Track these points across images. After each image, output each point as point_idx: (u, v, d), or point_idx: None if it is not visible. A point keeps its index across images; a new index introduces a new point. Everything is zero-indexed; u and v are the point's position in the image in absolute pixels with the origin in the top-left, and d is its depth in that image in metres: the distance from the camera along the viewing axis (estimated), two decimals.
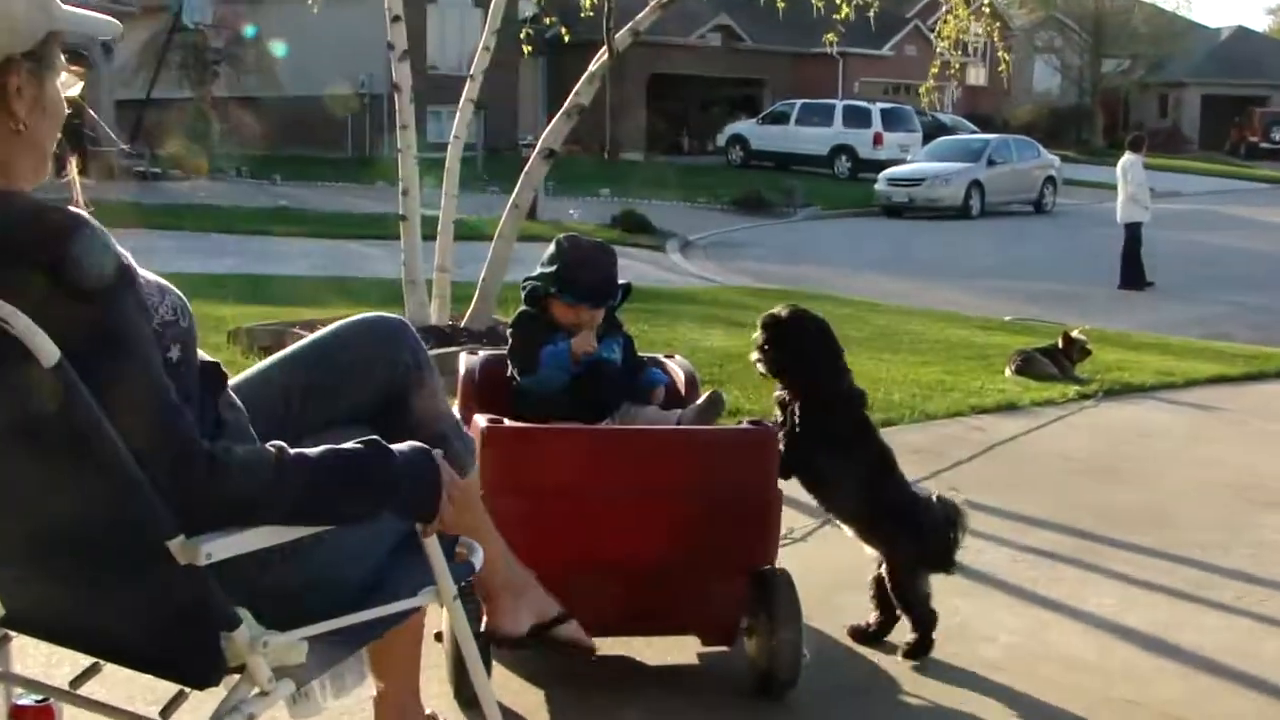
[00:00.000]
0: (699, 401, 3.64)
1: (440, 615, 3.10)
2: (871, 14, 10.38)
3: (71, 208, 2.03)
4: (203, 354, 2.27)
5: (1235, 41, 56.65)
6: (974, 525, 4.03)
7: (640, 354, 3.98)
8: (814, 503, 3.93)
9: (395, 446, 2.22)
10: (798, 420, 3.74)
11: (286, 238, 18.71)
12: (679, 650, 3.78)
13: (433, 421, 2.59)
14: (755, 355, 3.84)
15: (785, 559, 3.57)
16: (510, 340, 3.81)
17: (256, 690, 2.11)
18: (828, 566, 4.46)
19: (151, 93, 29.06)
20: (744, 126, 38.30)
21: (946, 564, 3.84)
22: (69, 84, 2.15)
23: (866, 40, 39.97)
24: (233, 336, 8.72)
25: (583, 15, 9.85)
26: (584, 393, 3.69)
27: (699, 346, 9.33)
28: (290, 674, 2.14)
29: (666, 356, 4.13)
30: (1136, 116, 53.05)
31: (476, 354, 4.03)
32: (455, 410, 3.16)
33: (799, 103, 37.22)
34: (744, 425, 3.52)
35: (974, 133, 36.04)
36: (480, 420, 3.32)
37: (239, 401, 2.36)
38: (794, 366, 3.79)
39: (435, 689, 3.33)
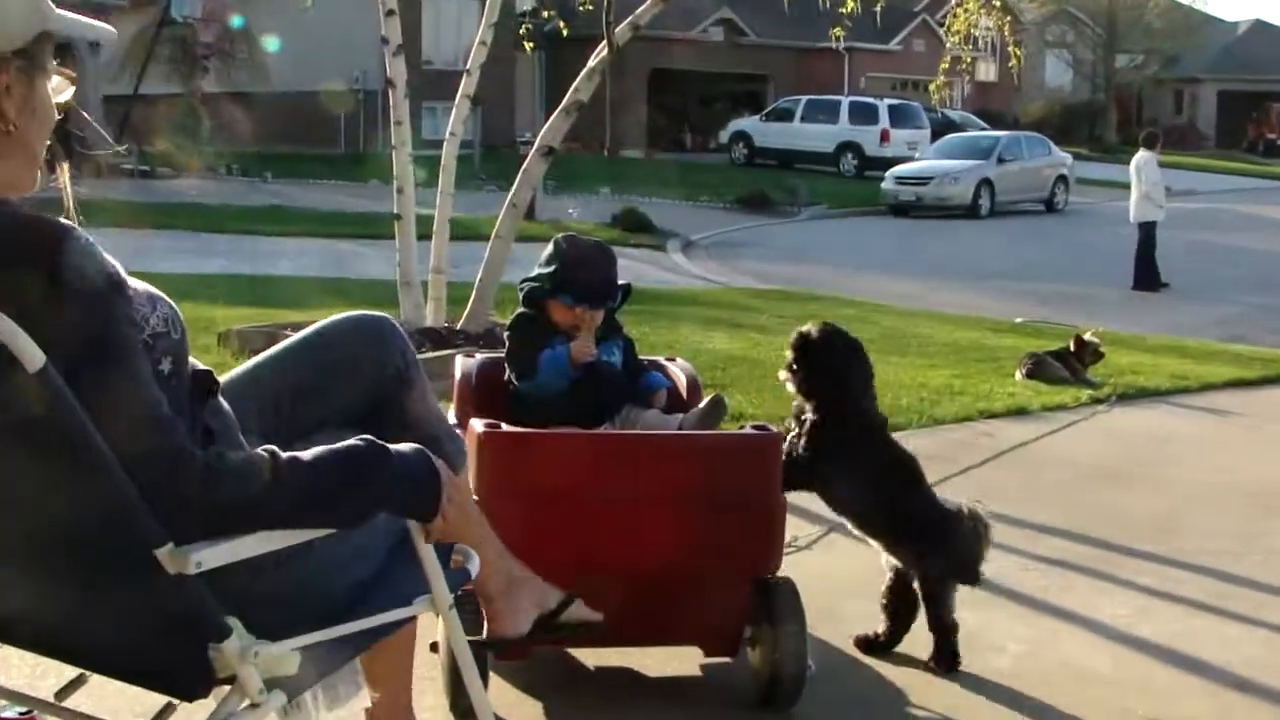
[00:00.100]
0: (701, 406, 3.64)
1: (436, 625, 3.10)
2: (878, 8, 10.39)
3: (61, 219, 2.04)
4: (194, 361, 2.27)
5: (1253, 35, 56.66)
6: None
7: (641, 357, 3.98)
8: (818, 509, 3.93)
9: (392, 446, 2.23)
10: (821, 440, 3.72)
11: (278, 237, 18.71)
12: (680, 661, 3.78)
13: (423, 422, 2.60)
14: (784, 375, 3.81)
15: (789, 567, 3.58)
16: (508, 343, 3.82)
17: (247, 702, 2.10)
18: (832, 575, 4.46)
19: (139, 88, 29.05)
20: (747, 123, 38.30)
21: (974, 577, 3.84)
22: (60, 88, 2.15)
23: (873, 35, 40.01)
24: (223, 339, 8.72)
25: (581, 9, 9.87)
26: (583, 397, 3.69)
27: (701, 349, 9.33)
28: (282, 685, 2.14)
29: (668, 359, 4.13)
30: (1151, 113, 53.09)
31: (473, 357, 4.03)
32: (450, 414, 3.17)
33: (804, 99, 37.22)
34: (747, 430, 3.52)
35: (983, 129, 36.06)
36: (477, 425, 3.32)
37: (227, 408, 2.36)
38: (825, 388, 3.76)
39: (431, 700, 3.33)
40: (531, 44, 11.42)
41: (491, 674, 3.37)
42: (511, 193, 8.88)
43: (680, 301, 13.36)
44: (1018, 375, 8.80)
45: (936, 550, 3.78)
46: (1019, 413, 7.66)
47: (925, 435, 6.93)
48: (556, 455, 3.35)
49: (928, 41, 42.13)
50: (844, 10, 10.17)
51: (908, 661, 3.85)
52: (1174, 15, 52.28)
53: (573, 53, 16.21)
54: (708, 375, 7.87)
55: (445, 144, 9.21)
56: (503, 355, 3.85)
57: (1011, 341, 10.77)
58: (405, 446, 2.26)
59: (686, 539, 3.36)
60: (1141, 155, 16.44)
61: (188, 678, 2.12)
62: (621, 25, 8.71)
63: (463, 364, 3.96)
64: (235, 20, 31.36)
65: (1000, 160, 29.02)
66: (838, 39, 11.78)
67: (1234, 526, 5.49)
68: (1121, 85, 52.04)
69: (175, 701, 2.28)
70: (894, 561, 3.87)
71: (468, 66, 9.28)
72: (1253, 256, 21.15)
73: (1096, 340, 8.95)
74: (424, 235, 8.92)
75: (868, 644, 3.92)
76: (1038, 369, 8.73)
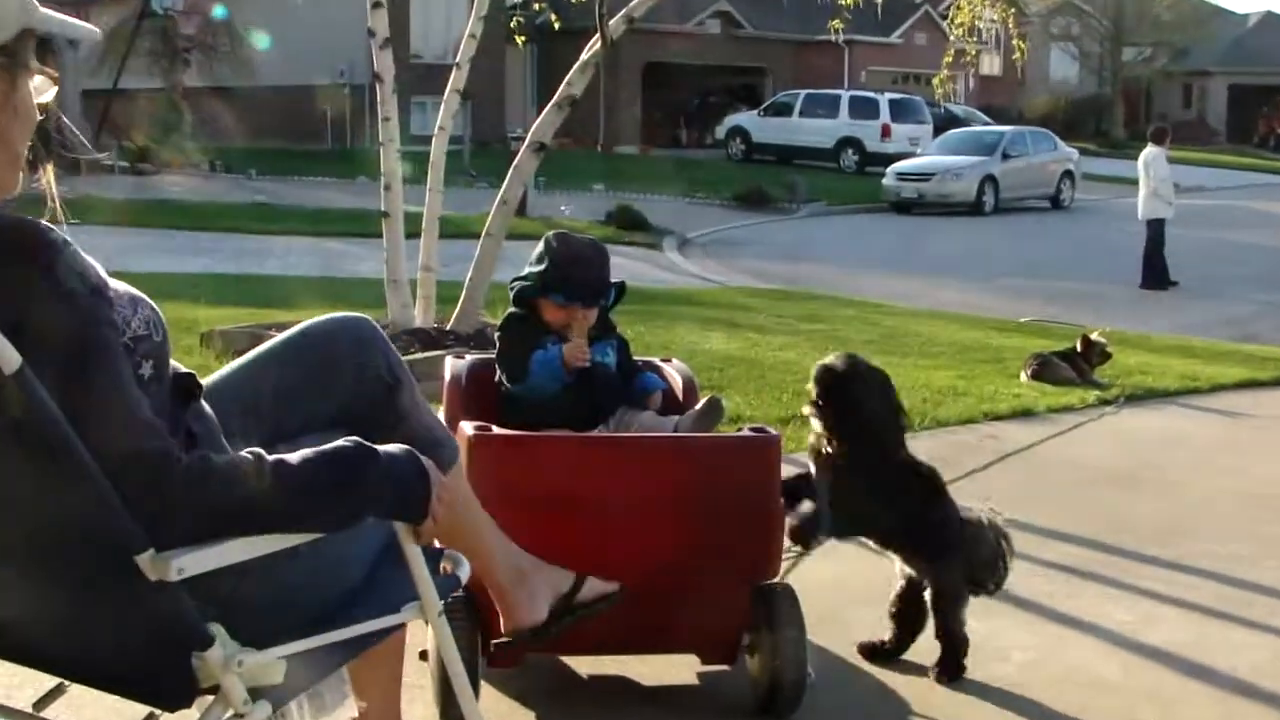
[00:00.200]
0: (697, 407, 3.64)
1: (426, 632, 3.10)
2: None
3: (43, 221, 2.04)
4: (176, 364, 2.28)
5: (1264, 28, 56.75)
6: None
7: (636, 358, 3.98)
8: None
9: (381, 447, 2.23)
10: (852, 492, 3.69)
11: (263, 235, 18.72)
12: (677, 669, 3.78)
13: (411, 423, 2.61)
14: (808, 410, 3.76)
15: (789, 573, 3.57)
16: (498, 344, 3.82)
17: (231, 713, 2.10)
18: (834, 580, 4.46)
19: (119, 82, 29.03)
20: (745, 118, 38.36)
21: (995, 588, 3.85)
22: (43, 88, 2.15)
23: (874, 27, 40.03)
24: (206, 339, 8.72)
25: (574, 1, 9.86)
26: (577, 399, 3.69)
27: (698, 350, 9.34)
28: (267, 694, 2.14)
29: (663, 360, 4.13)
30: (1159, 107, 53.13)
31: (463, 358, 4.03)
32: (440, 417, 3.17)
33: (803, 93, 37.28)
34: (745, 432, 3.52)
35: (988, 124, 36.11)
36: (467, 428, 3.33)
37: (210, 411, 2.37)
38: (852, 425, 3.69)
39: (420, 711, 3.34)
40: (523, 37, 11.40)
41: (483, 683, 3.37)
42: (502, 189, 8.88)
43: (676, 301, 13.37)
44: (1023, 376, 8.80)
45: (956, 562, 3.78)
46: (1024, 414, 7.66)
47: (928, 438, 6.93)
48: (549, 459, 3.36)
49: (930, 34, 42.19)
50: (844, 2, 10.17)
51: (910, 669, 3.85)
52: (1183, 7, 52.35)
53: (565, 46, 16.23)
54: (704, 376, 7.87)
55: (434, 139, 9.22)
56: (493, 356, 3.85)
57: (1016, 341, 10.78)
58: (393, 447, 2.26)
59: (683, 544, 3.36)
60: (1150, 151, 16.45)
61: (169, 687, 2.12)
62: (615, 18, 8.71)
63: (452, 365, 3.96)
64: (218, 11, 31.31)
65: (1005, 156, 29.07)
66: (837, 31, 11.77)
67: (1245, 530, 5.49)
68: (1129, 79, 52.10)
69: (157, 712, 2.27)
70: (908, 570, 3.86)
71: (457, 60, 9.28)
72: (1264, 254, 21.17)
73: (1104, 340, 8.96)
74: (412, 233, 8.92)
75: (872, 651, 3.92)
76: (1043, 370, 8.74)
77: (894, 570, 3.89)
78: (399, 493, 2.25)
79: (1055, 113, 47.37)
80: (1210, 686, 3.85)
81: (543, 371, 3.67)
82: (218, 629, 2.10)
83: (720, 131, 39.01)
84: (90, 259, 2.06)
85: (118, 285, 2.14)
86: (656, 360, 4.12)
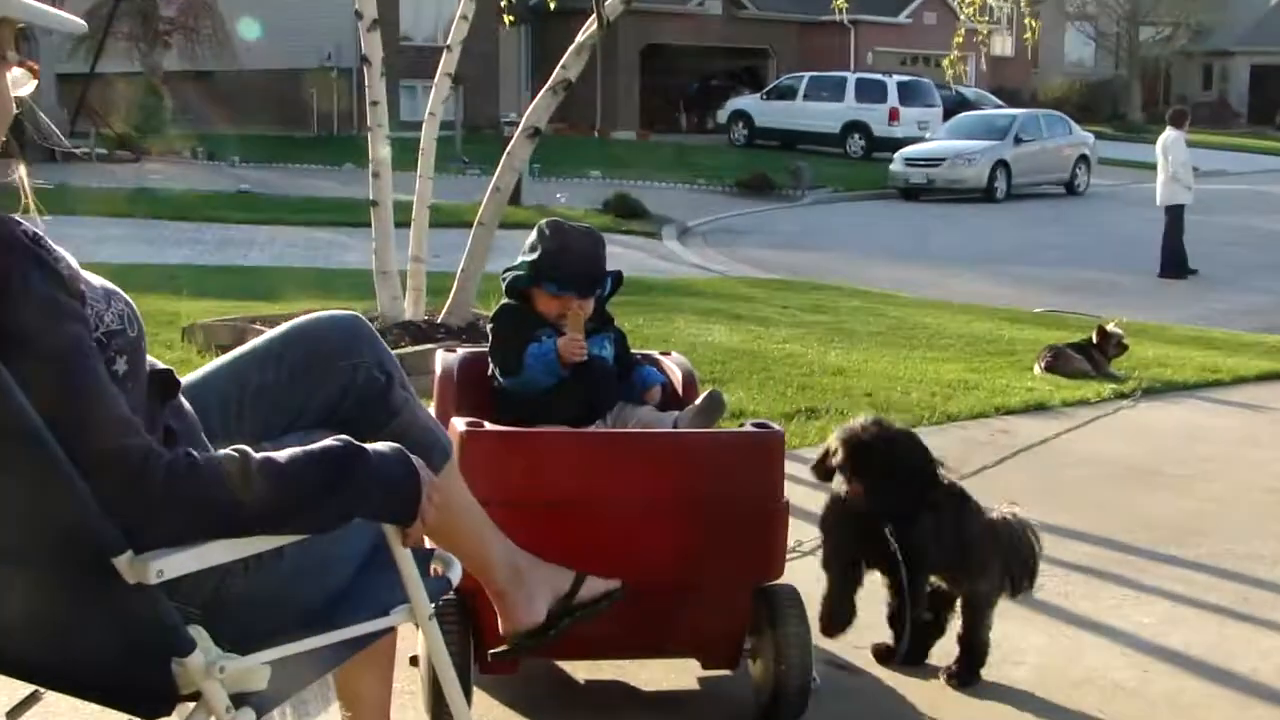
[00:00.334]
0: (698, 402, 3.64)
1: (416, 637, 3.10)
2: None
3: (14, 216, 2.04)
4: (154, 360, 2.27)
5: None
6: None
7: (634, 351, 3.98)
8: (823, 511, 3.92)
9: (369, 445, 2.23)
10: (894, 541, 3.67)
11: (247, 225, 18.72)
12: (677, 674, 3.78)
13: (402, 420, 2.61)
14: (839, 483, 3.70)
15: (793, 573, 3.58)
16: (491, 337, 3.81)
17: None
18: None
19: (96, 66, 29.02)
20: (747, 102, 38.32)
21: (1028, 586, 3.85)
22: (21, 81, 2.15)
23: (881, 6, 40.11)
24: (187, 334, 8.72)
25: None
26: (572, 393, 3.69)
27: (698, 342, 9.34)
28: (250, 701, 2.14)
29: (662, 354, 4.13)
30: (1178, 89, 53.13)
31: (455, 352, 4.03)
32: (431, 412, 3.16)
33: (807, 75, 37.23)
34: (747, 428, 3.52)
35: (999, 108, 36.08)
36: (459, 424, 3.33)
37: (190, 408, 2.37)
38: (884, 492, 3.65)
39: (410, 718, 3.33)
40: (516, 18, 11.40)
41: (476, 689, 3.38)
42: (495, 177, 8.88)
43: (676, 292, 13.37)
44: (1036, 369, 8.81)
45: (991, 569, 3.78)
46: (1038, 409, 7.66)
47: (937, 433, 6.93)
48: (544, 456, 3.35)
49: (939, 14, 42.13)
50: None
51: (919, 672, 3.86)
52: None
53: (560, 27, 16.24)
54: (705, 370, 7.88)
55: (424, 125, 9.22)
56: (486, 350, 3.85)
57: (1029, 333, 10.79)
58: (382, 446, 2.26)
59: (683, 544, 3.36)
60: (1168, 134, 16.45)
61: (149, 695, 2.12)
62: None
63: (444, 359, 3.96)
64: None
65: (1017, 140, 29.05)
66: (842, 11, 11.77)
67: (1268, 529, 5.50)
68: (1147, 59, 52.08)
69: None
70: (937, 582, 3.85)
71: (448, 42, 9.28)
72: None
73: (1120, 331, 8.96)
74: (402, 222, 8.92)
75: (886, 654, 3.92)
76: (1057, 362, 8.74)
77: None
78: (388, 493, 2.25)
79: (1070, 95, 47.34)
80: (1232, 690, 3.85)
81: (537, 365, 3.67)
82: (199, 633, 2.09)
83: (722, 116, 38.97)
84: (62, 251, 2.05)
85: (91, 278, 2.14)
86: (655, 353, 4.12)
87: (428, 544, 2.64)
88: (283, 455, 2.15)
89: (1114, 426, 7.43)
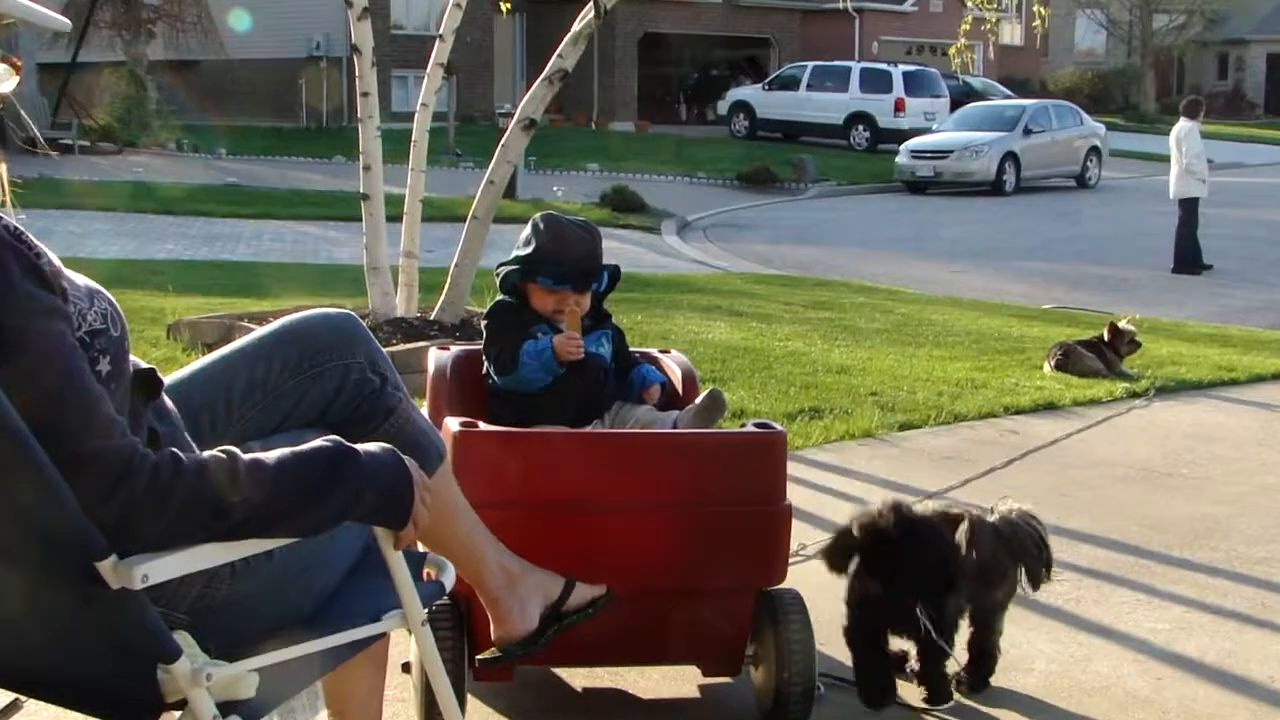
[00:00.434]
0: (698, 401, 3.64)
1: (408, 643, 3.10)
2: None
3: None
4: (136, 360, 2.27)
5: None
6: None
7: (632, 349, 3.98)
8: (827, 515, 3.92)
9: (361, 446, 2.23)
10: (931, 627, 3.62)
11: (233, 219, 18.72)
12: (677, 682, 3.78)
13: (395, 421, 2.61)
14: (852, 571, 3.63)
15: (796, 578, 3.58)
16: (485, 334, 3.82)
17: None
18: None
19: (77, 55, 29.00)
20: (748, 92, 38.32)
21: (1048, 570, 3.84)
22: (3, 77, 2.15)
23: None
24: (172, 331, 8.72)
25: None
26: (570, 392, 3.69)
27: (699, 340, 9.34)
28: (238, 709, 2.14)
29: (662, 352, 4.13)
30: (1192, 79, 53.14)
31: (448, 349, 4.03)
32: (424, 412, 3.17)
33: (810, 65, 37.22)
34: (749, 428, 3.52)
35: (1008, 98, 36.07)
36: (452, 424, 3.32)
37: (174, 408, 2.37)
38: (907, 580, 3.58)
39: None
40: (510, 7, 11.40)
41: (470, 697, 3.38)
42: (489, 169, 8.87)
43: (675, 288, 13.37)
44: (1046, 367, 8.81)
45: (1009, 575, 3.77)
46: (1047, 408, 7.66)
47: (944, 433, 6.94)
48: (540, 457, 3.35)
49: (946, 1, 42.14)
50: None
51: None
52: None
53: (556, 16, 16.24)
54: (706, 368, 7.89)
55: (416, 116, 9.21)
56: (480, 347, 3.85)
57: (1039, 330, 10.79)
58: (374, 447, 2.26)
59: (683, 547, 3.36)
60: (1182, 125, 16.44)
61: (134, 703, 2.12)
62: None
63: (436, 357, 3.97)
64: None
65: (1027, 132, 29.04)
66: None
67: None
68: (1160, 48, 52.05)
69: None
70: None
71: (441, 31, 9.27)
72: None
73: (1133, 328, 8.96)
74: (394, 216, 8.92)
75: (899, 661, 3.91)
76: (1068, 360, 8.74)
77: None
78: (380, 495, 2.25)
79: (1081, 85, 47.37)
80: (1248, 699, 3.85)
81: (533, 363, 3.67)
82: (185, 639, 2.09)
83: (722, 107, 38.98)
84: (44, 247, 2.06)
85: (74, 276, 2.14)
86: (654, 351, 4.12)
87: (420, 547, 2.64)
88: (272, 456, 2.15)
89: (1126, 427, 7.43)
